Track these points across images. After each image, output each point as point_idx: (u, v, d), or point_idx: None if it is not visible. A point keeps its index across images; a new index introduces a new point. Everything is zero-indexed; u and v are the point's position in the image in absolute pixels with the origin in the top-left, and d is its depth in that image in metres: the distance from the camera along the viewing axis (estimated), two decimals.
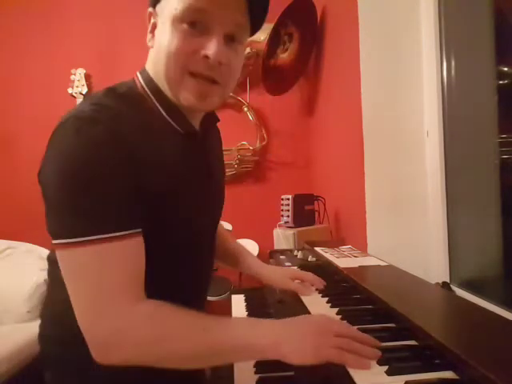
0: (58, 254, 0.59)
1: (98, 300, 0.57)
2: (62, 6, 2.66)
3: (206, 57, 0.64)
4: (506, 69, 1.06)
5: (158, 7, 0.69)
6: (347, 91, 1.60)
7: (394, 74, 1.37)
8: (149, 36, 0.71)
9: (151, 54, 0.73)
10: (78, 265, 0.58)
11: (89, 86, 2.58)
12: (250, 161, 2.63)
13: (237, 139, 2.59)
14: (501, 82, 1.06)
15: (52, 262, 0.77)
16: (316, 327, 0.58)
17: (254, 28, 0.73)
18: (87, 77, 2.58)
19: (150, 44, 0.72)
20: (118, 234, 0.58)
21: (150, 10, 0.71)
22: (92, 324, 0.57)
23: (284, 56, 2.23)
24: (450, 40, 1.26)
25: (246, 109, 2.59)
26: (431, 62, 1.30)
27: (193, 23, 0.64)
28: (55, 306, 0.75)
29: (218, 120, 0.87)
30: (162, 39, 0.66)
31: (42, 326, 0.80)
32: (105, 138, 0.59)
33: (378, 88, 1.38)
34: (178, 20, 0.64)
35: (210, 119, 0.83)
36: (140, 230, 0.62)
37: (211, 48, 0.64)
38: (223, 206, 0.93)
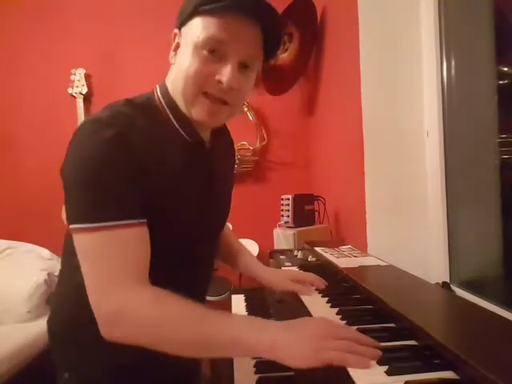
0: (75, 237, 0.66)
1: (105, 279, 0.63)
2: (62, 6, 2.66)
3: (220, 82, 0.72)
4: (506, 69, 1.06)
5: (183, 29, 0.76)
6: (347, 91, 1.60)
7: (393, 74, 1.37)
8: (171, 54, 0.78)
9: (172, 70, 0.80)
10: (91, 247, 0.65)
11: (89, 86, 2.58)
12: (250, 161, 2.63)
13: (237, 139, 2.55)
14: (501, 82, 1.06)
15: (67, 248, 0.82)
16: (316, 330, 0.58)
17: (269, 56, 0.80)
18: (87, 77, 2.58)
19: (172, 61, 0.79)
20: (126, 222, 0.65)
21: (176, 31, 0.78)
22: (99, 300, 0.63)
23: (284, 56, 2.23)
24: (450, 40, 1.26)
25: (246, 109, 2.59)
26: (431, 62, 1.30)
27: (212, 51, 0.72)
28: (69, 290, 0.81)
29: (228, 133, 0.95)
30: (184, 61, 0.73)
31: (54, 310, 0.87)
32: (115, 139, 0.66)
33: (378, 88, 1.38)
34: (199, 46, 0.71)
35: (220, 132, 0.89)
36: (145, 220, 0.68)
37: (225, 74, 0.71)
38: (228, 214, 0.97)
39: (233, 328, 0.59)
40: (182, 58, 0.74)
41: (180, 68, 0.74)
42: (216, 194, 0.86)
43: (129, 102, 0.75)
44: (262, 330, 0.59)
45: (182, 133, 0.78)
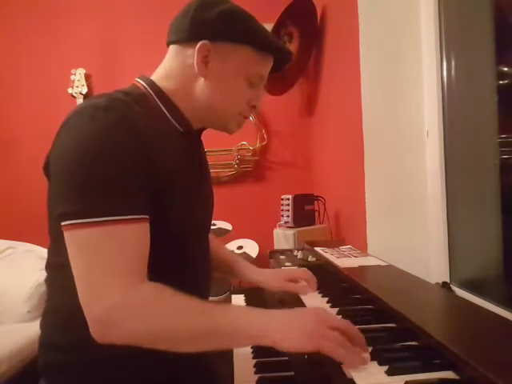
0: (69, 234, 0.61)
1: (102, 277, 0.59)
2: (62, 5, 2.66)
3: (255, 107, 0.86)
4: (506, 69, 1.06)
5: (221, 47, 0.76)
6: (347, 91, 1.60)
7: (394, 74, 1.37)
8: (201, 65, 0.77)
9: (205, 83, 0.78)
10: (88, 244, 0.60)
11: (89, 86, 2.58)
12: (249, 161, 2.63)
13: (237, 139, 2.58)
14: (501, 82, 1.06)
15: (52, 269, 0.77)
16: (311, 317, 0.60)
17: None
18: (87, 77, 2.58)
19: (201, 73, 0.77)
20: (128, 217, 0.61)
21: (206, 42, 0.75)
22: (95, 299, 0.59)
23: None
24: (450, 40, 1.26)
25: None
26: (431, 62, 1.30)
27: (253, 83, 0.82)
28: (59, 312, 0.74)
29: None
30: (227, 84, 0.79)
31: (44, 335, 0.77)
32: (118, 122, 0.64)
33: (378, 88, 1.38)
34: (247, 76, 0.80)
35: (203, 129, 0.90)
36: (147, 216, 0.65)
37: (259, 100, 0.86)
38: (214, 206, 0.96)
39: (234, 318, 0.61)
40: (225, 80, 0.79)
41: (221, 87, 0.79)
42: (206, 181, 0.89)
43: (118, 91, 0.73)
44: (261, 318, 0.61)
45: (173, 121, 0.78)
